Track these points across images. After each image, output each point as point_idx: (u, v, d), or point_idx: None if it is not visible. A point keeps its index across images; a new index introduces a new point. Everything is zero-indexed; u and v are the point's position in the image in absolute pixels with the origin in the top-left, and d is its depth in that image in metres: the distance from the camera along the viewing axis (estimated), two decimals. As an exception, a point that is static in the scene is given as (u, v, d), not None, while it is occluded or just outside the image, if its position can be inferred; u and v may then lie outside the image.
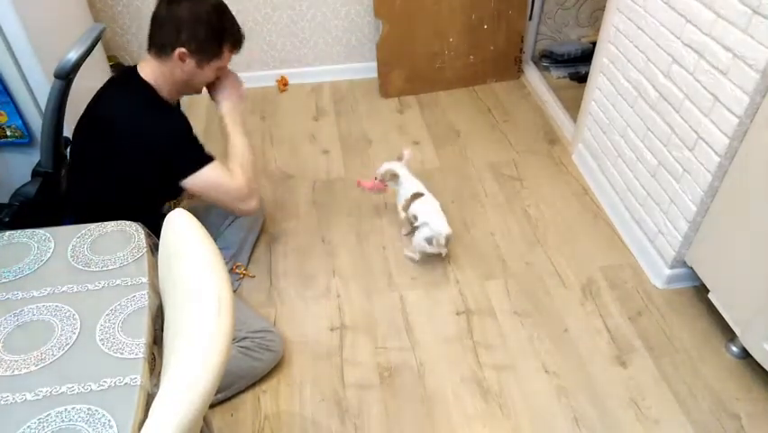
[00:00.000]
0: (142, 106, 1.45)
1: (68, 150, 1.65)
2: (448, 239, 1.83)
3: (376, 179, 1.97)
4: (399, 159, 2.00)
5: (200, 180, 1.46)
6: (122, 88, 1.50)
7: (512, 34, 2.82)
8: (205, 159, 1.47)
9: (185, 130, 1.48)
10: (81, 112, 1.87)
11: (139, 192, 1.54)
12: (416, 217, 1.88)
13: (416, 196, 1.90)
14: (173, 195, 1.74)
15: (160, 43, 1.42)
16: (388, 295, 1.84)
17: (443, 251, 1.88)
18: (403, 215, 1.96)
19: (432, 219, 1.84)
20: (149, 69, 1.46)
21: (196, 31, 1.40)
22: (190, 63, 1.44)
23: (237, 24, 1.51)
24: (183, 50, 1.41)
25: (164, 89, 1.48)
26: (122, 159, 1.45)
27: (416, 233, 1.87)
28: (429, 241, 1.82)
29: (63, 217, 1.63)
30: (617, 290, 1.84)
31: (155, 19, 1.43)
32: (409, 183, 1.95)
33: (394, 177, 1.96)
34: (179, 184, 1.47)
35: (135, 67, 1.49)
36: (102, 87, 1.53)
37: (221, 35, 1.46)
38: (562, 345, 1.67)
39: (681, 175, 1.67)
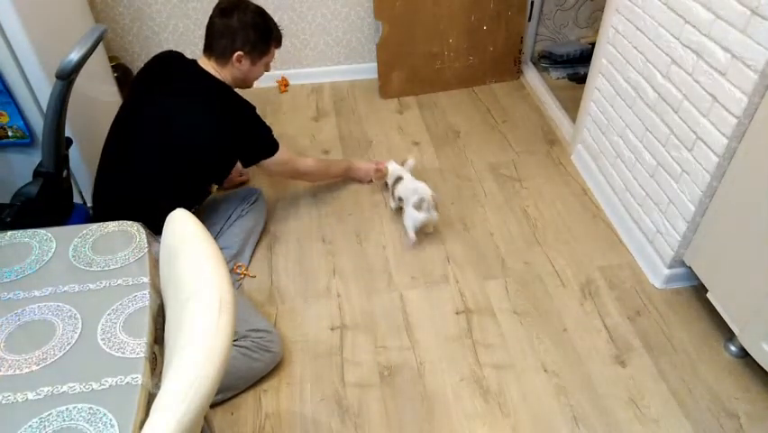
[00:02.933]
0: (236, 101, 1.72)
1: (101, 151, 1.75)
2: (433, 200, 1.92)
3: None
4: (402, 163, 2.14)
5: (277, 158, 1.85)
6: (202, 87, 1.70)
7: (511, 35, 2.83)
8: (277, 143, 1.85)
9: (261, 118, 1.81)
10: (82, 112, 1.88)
11: (206, 179, 1.81)
12: (401, 199, 2.01)
13: (397, 180, 2.04)
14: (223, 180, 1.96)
15: (219, 51, 1.69)
16: (388, 295, 1.84)
17: (434, 214, 1.94)
18: (393, 204, 2.11)
19: (415, 186, 1.96)
20: (211, 69, 1.71)
21: (248, 35, 1.68)
22: (245, 63, 1.72)
23: (276, 24, 1.79)
24: (240, 53, 1.69)
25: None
26: (207, 147, 1.70)
27: (405, 211, 1.97)
28: (418, 206, 1.90)
29: (69, 216, 1.65)
30: (615, 289, 1.84)
31: (211, 30, 1.69)
32: (395, 173, 2.09)
33: (385, 173, 2.14)
34: (259, 163, 1.84)
35: (193, 63, 1.72)
36: (164, 83, 1.71)
37: (268, 35, 1.75)
38: (562, 345, 1.68)
39: (679, 175, 1.68)
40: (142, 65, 1.80)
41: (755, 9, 1.32)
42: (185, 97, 1.68)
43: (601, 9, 2.12)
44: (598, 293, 1.83)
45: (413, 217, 1.92)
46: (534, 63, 3.04)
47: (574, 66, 2.98)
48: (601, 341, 1.69)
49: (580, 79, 2.78)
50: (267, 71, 1.85)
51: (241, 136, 1.75)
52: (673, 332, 1.70)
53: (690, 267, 1.73)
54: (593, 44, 2.18)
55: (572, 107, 2.48)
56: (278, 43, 1.82)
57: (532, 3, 2.83)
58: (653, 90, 1.75)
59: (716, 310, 1.65)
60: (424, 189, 1.92)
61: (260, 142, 1.82)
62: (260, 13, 1.73)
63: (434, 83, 2.87)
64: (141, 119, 1.68)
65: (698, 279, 1.71)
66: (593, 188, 2.24)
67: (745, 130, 1.43)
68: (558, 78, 2.96)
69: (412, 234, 1.95)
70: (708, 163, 1.54)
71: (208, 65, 1.72)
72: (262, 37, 1.73)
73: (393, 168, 2.11)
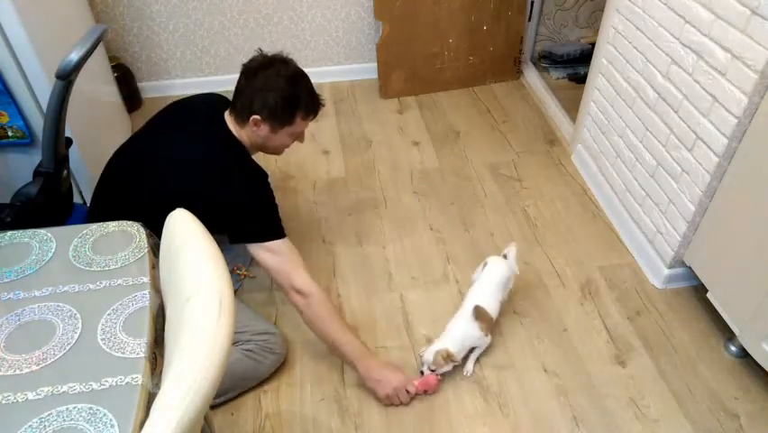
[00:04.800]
0: (235, 165, 1.52)
1: (107, 165, 1.66)
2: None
3: (433, 371, 1.56)
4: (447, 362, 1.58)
5: (270, 248, 1.51)
6: (214, 140, 1.55)
7: (511, 35, 2.83)
8: (276, 232, 1.52)
9: (268, 196, 1.55)
10: (82, 112, 1.86)
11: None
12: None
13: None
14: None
15: (238, 110, 1.53)
16: (388, 295, 1.84)
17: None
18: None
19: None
20: (232, 126, 1.56)
21: (267, 99, 1.49)
22: (264, 128, 1.53)
23: (314, 94, 1.57)
24: (257, 117, 1.50)
25: (246, 146, 1.58)
26: (197, 204, 1.42)
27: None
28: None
29: (70, 216, 1.64)
30: (615, 289, 1.84)
31: (237, 88, 1.53)
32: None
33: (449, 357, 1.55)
34: (248, 246, 1.51)
35: (219, 115, 1.57)
36: (187, 129, 1.58)
37: (294, 104, 1.53)
38: (562, 345, 1.68)
39: (679, 175, 1.68)
40: (180, 97, 1.69)
41: (755, 9, 1.32)
42: (191, 149, 1.53)
43: (601, 9, 2.12)
44: (598, 293, 1.83)
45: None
46: (534, 63, 3.05)
47: (574, 66, 2.98)
48: (601, 341, 1.69)
49: (580, 79, 2.78)
50: (300, 142, 1.64)
51: (233, 205, 1.48)
52: (673, 332, 1.70)
53: (690, 267, 1.73)
54: (593, 44, 2.18)
55: (572, 107, 2.48)
56: (309, 114, 1.57)
57: (532, 3, 2.83)
58: (653, 90, 1.75)
59: (716, 310, 1.65)
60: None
61: (255, 220, 1.50)
62: (292, 78, 1.52)
63: (435, 83, 2.87)
64: (148, 157, 1.57)
65: (698, 279, 1.71)
66: (593, 188, 2.24)
67: (745, 130, 1.43)
68: (558, 78, 2.96)
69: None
70: (708, 163, 1.54)
71: (231, 124, 1.56)
72: (285, 105, 1.51)
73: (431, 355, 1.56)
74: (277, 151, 1.65)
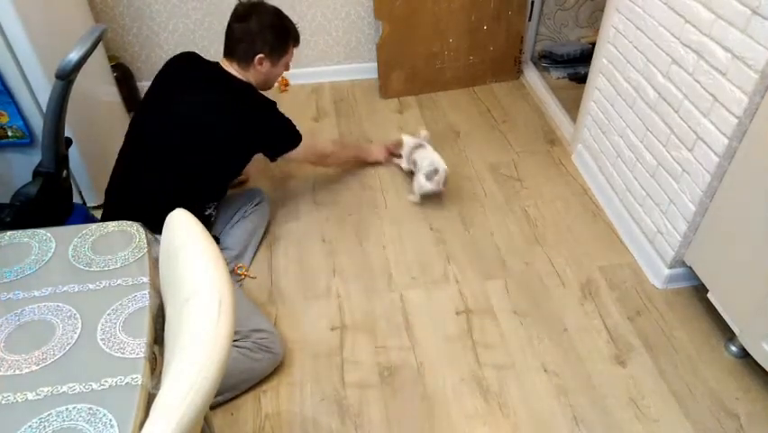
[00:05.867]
0: (255, 98, 1.77)
1: (119, 157, 1.77)
2: (446, 175, 2.08)
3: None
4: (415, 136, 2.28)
5: (301, 149, 1.92)
6: (224, 87, 1.75)
7: (511, 35, 2.83)
8: (300, 136, 1.91)
9: (283, 114, 1.86)
10: (82, 112, 1.87)
11: (226, 176, 1.88)
12: (415, 163, 2.15)
13: (418, 147, 2.18)
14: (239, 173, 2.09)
15: (241, 55, 1.74)
16: (388, 295, 1.84)
17: (441, 188, 2.10)
18: (405, 165, 2.26)
19: (430, 157, 2.10)
20: (233, 71, 1.77)
21: (266, 37, 1.73)
22: (266, 64, 1.78)
23: (293, 23, 1.83)
24: (261, 55, 1.74)
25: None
26: (230, 145, 1.75)
27: (416, 175, 2.12)
28: (428, 176, 2.05)
29: (69, 216, 1.65)
30: (616, 289, 1.84)
31: (231, 35, 1.74)
32: (412, 142, 2.23)
33: (399, 145, 2.29)
34: (284, 156, 1.90)
35: (215, 65, 1.78)
36: (186, 86, 1.76)
37: (286, 35, 1.80)
38: (562, 345, 1.68)
39: (680, 175, 1.68)
40: (161, 66, 1.84)
41: (756, 9, 1.32)
42: (207, 98, 1.71)
43: (602, 9, 2.12)
44: (598, 293, 1.83)
45: (420, 185, 2.09)
46: (534, 63, 3.04)
47: (575, 66, 2.98)
48: (601, 341, 1.69)
49: (581, 79, 2.78)
50: (287, 71, 1.90)
51: (264, 133, 1.82)
52: (674, 332, 1.70)
53: (690, 267, 1.73)
54: (593, 44, 2.18)
55: (573, 107, 2.48)
56: (297, 42, 1.85)
57: (532, 2, 2.83)
58: (654, 90, 1.75)
59: (716, 310, 1.64)
60: (439, 162, 2.07)
61: (284, 137, 1.88)
62: (277, 13, 1.77)
63: (435, 83, 2.87)
64: (162, 120, 1.71)
65: (698, 279, 1.71)
66: (594, 188, 2.23)
67: (745, 130, 1.43)
68: (558, 78, 2.96)
69: (417, 199, 2.16)
70: (709, 163, 1.54)
71: (230, 68, 1.76)
72: (280, 38, 1.77)
73: (408, 139, 2.25)
74: (272, 84, 1.89)
